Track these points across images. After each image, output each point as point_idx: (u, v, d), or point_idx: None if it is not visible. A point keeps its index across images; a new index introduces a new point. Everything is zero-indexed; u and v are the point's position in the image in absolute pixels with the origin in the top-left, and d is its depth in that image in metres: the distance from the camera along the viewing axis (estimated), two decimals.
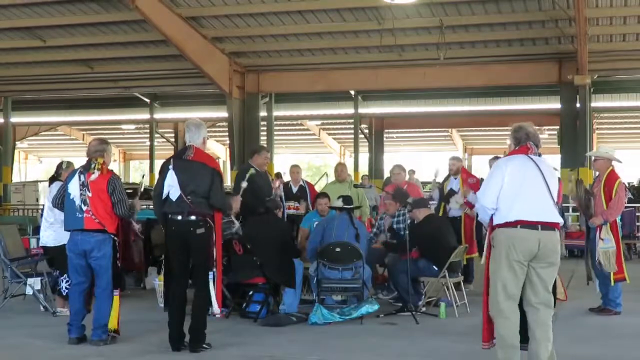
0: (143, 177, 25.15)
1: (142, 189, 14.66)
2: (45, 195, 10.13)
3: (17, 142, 30.70)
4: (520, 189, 5.49)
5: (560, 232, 5.73)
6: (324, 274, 8.34)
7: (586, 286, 8.98)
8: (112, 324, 6.99)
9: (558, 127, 20.04)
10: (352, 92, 23.67)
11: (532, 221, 5.43)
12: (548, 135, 27.63)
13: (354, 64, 20.02)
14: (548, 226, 5.47)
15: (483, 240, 7.79)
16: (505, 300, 5.43)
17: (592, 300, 8.77)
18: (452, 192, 10.50)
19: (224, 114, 21.73)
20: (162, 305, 8.39)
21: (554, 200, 5.54)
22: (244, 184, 8.36)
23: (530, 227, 5.42)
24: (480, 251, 9.92)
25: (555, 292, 5.81)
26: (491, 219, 5.62)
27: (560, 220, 5.59)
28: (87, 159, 7.17)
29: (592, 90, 19.03)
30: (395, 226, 9.61)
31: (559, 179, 5.90)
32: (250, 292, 8.48)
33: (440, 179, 10.81)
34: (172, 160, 6.89)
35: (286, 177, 13.12)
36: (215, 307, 6.77)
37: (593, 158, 9.17)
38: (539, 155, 5.69)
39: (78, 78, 22.57)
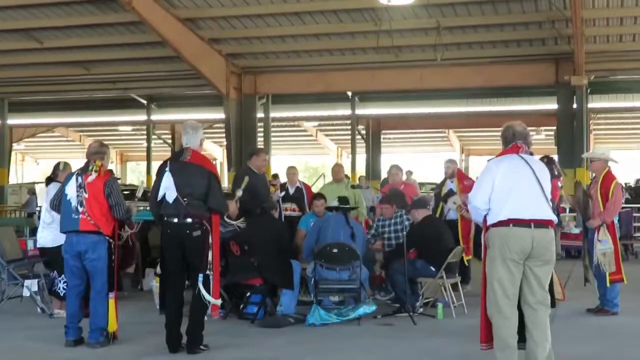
0: (142, 182, 25.21)
1: (141, 193, 14.71)
2: (43, 196, 10.11)
3: (13, 144, 30.64)
4: (512, 188, 5.50)
5: (556, 230, 5.74)
6: (321, 275, 8.35)
7: (583, 286, 8.98)
8: (111, 326, 7.00)
9: (555, 127, 20.06)
10: (349, 93, 23.66)
11: (525, 219, 5.44)
12: (545, 135, 27.70)
13: (351, 65, 20.02)
14: (541, 224, 5.47)
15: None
16: (503, 299, 5.43)
17: (590, 301, 8.77)
18: (450, 193, 10.49)
19: (221, 115, 21.71)
20: (159, 307, 8.40)
21: (547, 198, 5.54)
22: (239, 193, 8.38)
23: (523, 225, 5.43)
24: (475, 254, 9.90)
25: (553, 292, 5.81)
26: (485, 220, 5.63)
27: (554, 218, 5.60)
28: (85, 160, 7.18)
29: (588, 90, 19.04)
30: (393, 227, 9.60)
31: (558, 177, 5.89)
32: (248, 294, 8.47)
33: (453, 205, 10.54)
34: (168, 162, 6.89)
35: (283, 178, 13.11)
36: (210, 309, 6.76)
37: (589, 160, 9.16)
38: (531, 154, 5.71)
39: (75, 80, 22.54)
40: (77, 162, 10.97)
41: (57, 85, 23.55)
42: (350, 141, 25.99)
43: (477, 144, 37.84)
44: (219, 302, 6.79)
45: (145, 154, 29.80)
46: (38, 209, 20.75)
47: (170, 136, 29.98)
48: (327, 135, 36.06)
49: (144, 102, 26.56)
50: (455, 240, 9.48)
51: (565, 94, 18.67)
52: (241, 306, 8.45)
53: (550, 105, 20.60)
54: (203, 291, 6.61)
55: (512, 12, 16.32)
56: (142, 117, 27.55)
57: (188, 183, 6.67)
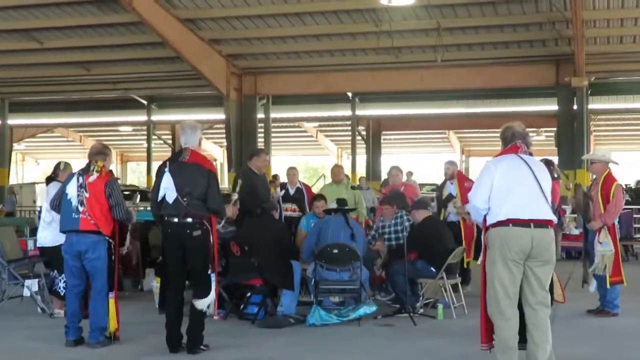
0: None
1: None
2: (43, 196, 10.12)
3: (14, 144, 30.65)
4: (511, 188, 5.50)
5: (557, 231, 5.74)
6: (321, 276, 8.34)
7: (582, 288, 8.97)
8: (112, 326, 7.00)
9: (555, 129, 20.07)
10: (349, 94, 23.67)
11: (525, 219, 5.44)
12: (545, 137, 27.70)
13: (351, 66, 20.05)
14: (541, 224, 5.47)
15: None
16: (505, 300, 5.42)
17: (590, 302, 8.77)
18: (450, 197, 10.49)
19: (221, 115, 21.73)
20: (158, 306, 8.40)
21: (546, 198, 5.54)
22: (235, 196, 8.40)
23: (522, 225, 5.43)
24: (475, 257, 9.89)
25: (552, 293, 5.81)
26: (485, 220, 5.63)
27: (554, 218, 5.59)
28: (87, 161, 7.18)
29: (589, 92, 19.07)
30: (393, 228, 9.60)
31: (558, 179, 5.89)
32: (248, 294, 8.48)
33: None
34: (168, 162, 6.89)
35: (283, 179, 13.11)
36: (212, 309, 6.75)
37: (589, 161, 9.17)
38: (530, 154, 5.71)
39: (75, 80, 22.58)
40: (77, 162, 10.99)
41: (57, 85, 23.57)
42: (350, 142, 25.99)
43: (477, 145, 37.88)
44: (204, 310, 6.74)
45: (145, 154, 29.82)
46: (39, 208, 20.70)
47: (170, 137, 30.01)
48: (327, 136, 36.08)
49: (145, 102, 26.58)
50: (456, 241, 9.47)
51: (565, 95, 18.70)
52: (241, 306, 8.45)
53: (551, 106, 20.62)
54: (210, 298, 6.61)
55: (513, 13, 16.34)
56: (143, 117, 27.57)
57: (188, 183, 6.67)
